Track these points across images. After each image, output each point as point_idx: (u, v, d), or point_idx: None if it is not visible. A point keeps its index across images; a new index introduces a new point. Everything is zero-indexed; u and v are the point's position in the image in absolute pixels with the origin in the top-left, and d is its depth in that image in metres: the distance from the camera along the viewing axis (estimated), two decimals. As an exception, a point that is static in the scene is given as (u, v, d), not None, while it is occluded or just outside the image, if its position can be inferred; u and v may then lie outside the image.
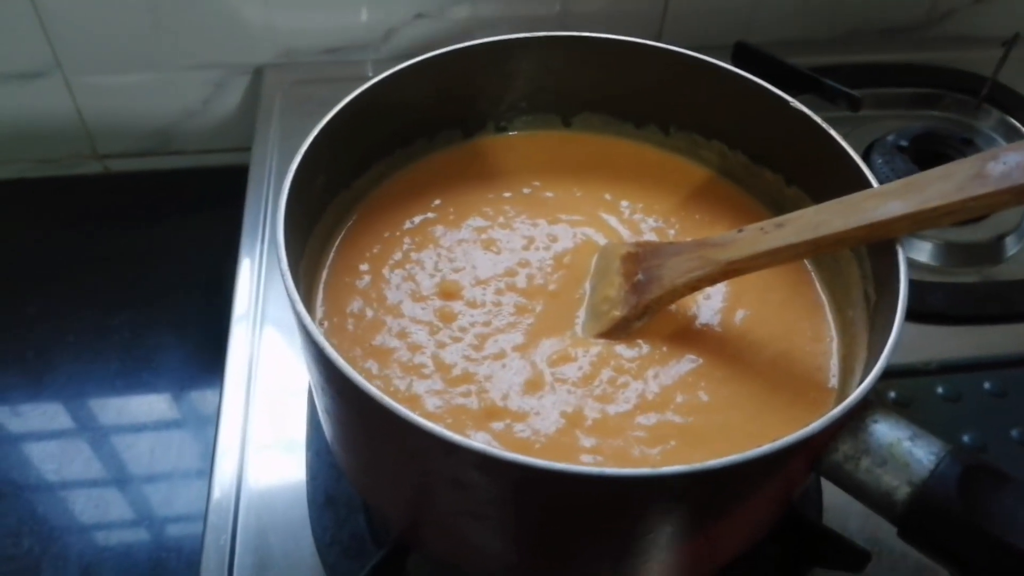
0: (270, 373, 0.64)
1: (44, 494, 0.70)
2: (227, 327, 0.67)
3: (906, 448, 0.35)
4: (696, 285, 0.46)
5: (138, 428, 0.74)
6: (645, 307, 0.47)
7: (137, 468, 0.71)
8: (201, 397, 0.76)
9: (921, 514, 0.35)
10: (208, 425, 0.74)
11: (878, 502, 0.36)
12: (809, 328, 0.50)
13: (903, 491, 0.35)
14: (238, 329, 0.67)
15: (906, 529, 0.36)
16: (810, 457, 0.37)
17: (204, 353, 0.79)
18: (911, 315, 0.66)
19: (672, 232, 0.54)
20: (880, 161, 0.77)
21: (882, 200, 0.42)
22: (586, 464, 0.41)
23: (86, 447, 0.73)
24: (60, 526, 0.67)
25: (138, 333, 0.80)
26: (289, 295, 0.38)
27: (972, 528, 0.33)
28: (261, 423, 0.61)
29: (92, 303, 0.82)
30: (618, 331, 0.47)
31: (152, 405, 0.76)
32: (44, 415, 0.74)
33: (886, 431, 0.36)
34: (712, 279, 0.46)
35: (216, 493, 0.57)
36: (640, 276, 0.48)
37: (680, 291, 0.46)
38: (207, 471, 0.59)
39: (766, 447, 0.33)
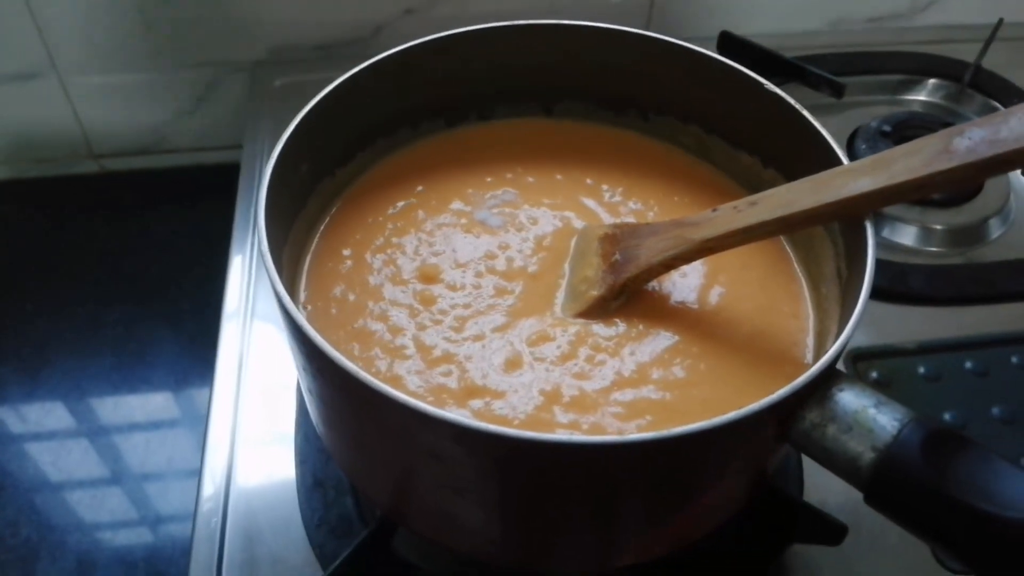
0: (261, 367, 0.65)
1: (42, 486, 0.71)
2: (219, 323, 0.68)
3: (871, 415, 0.36)
4: (671, 263, 0.47)
5: (133, 422, 0.75)
6: (622, 286, 0.48)
7: (132, 461, 0.72)
8: (195, 391, 0.77)
9: (886, 479, 0.35)
10: (201, 418, 0.74)
11: (844, 468, 0.37)
12: (786, 305, 0.50)
13: (868, 457, 0.36)
14: (229, 325, 0.68)
15: (872, 495, 0.36)
16: (777, 425, 0.38)
17: (198, 348, 0.80)
18: (894, 296, 0.68)
19: (651, 214, 0.55)
20: (864, 147, 0.78)
21: (852, 177, 0.43)
22: (562, 438, 0.42)
23: (82, 441, 0.74)
24: (57, 517, 0.69)
25: (133, 328, 0.81)
26: (269, 275, 0.39)
27: (935, 492, 0.34)
28: (251, 415, 0.62)
29: (88, 299, 0.83)
30: (596, 310, 0.48)
31: (147, 399, 0.77)
32: (41, 409, 0.75)
33: (851, 399, 0.37)
34: (687, 257, 0.47)
35: (207, 479, 0.58)
36: (617, 256, 0.48)
37: (656, 269, 0.47)
38: (199, 462, 0.60)
39: (731, 414, 0.34)
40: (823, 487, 0.56)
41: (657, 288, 0.50)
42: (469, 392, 0.44)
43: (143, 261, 0.87)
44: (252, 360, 0.65)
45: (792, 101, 0.50)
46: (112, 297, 0.84)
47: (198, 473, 0.59)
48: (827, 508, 0.51)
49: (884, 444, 0.36)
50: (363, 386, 0.35)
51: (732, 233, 0.45)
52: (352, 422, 0.42)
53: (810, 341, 0.49)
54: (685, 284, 0.50)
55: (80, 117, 0.92)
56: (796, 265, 0.53)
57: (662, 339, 0.47)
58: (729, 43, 0.83)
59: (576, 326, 0.47)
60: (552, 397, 0.44)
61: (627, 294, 0.48)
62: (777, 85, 0.52)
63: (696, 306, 0.49)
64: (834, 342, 0.39)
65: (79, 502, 0.70)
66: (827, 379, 0.38)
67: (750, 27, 0.89)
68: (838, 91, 0.78)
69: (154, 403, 0.76)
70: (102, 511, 0.69)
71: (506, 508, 0.41)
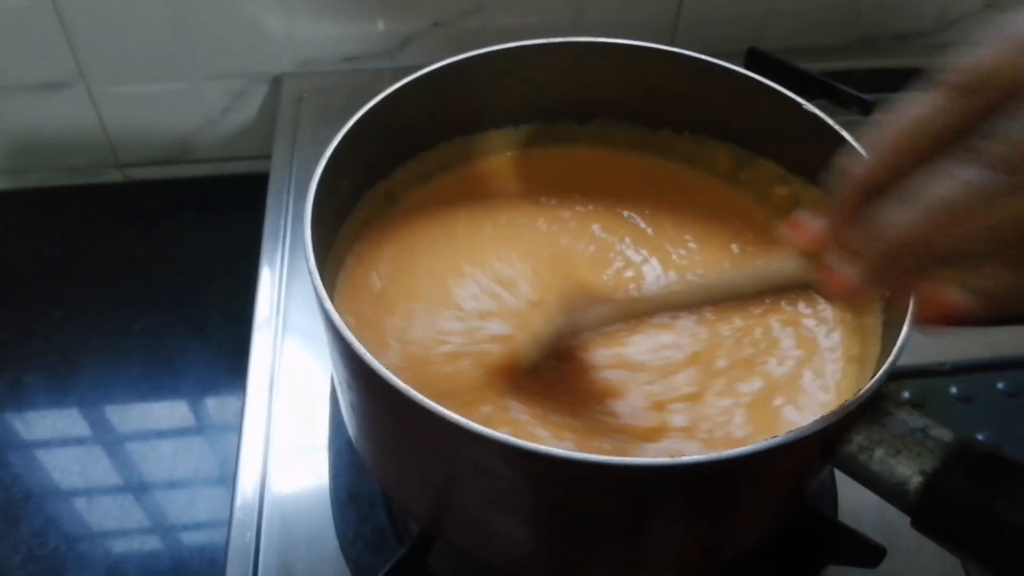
0: (292, 379, 0.65)
1: (70, 495, 0.71)
2: (248, 333, 0.68)
3: (919, 439, 0.36)
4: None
5: (160, 430, 0.75)
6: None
7: (160, 470, 0.72)
8: (222, 400, 0.78)
9: (934, 502, 0.35)
10: (228, 427, 0.75)
11: (891, 492, 0.37)
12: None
13: (916, 480, 0.36)
14: (260, 336, 0.68)
15: (919, 518, 0.36)
16: (825, 447, 0.38)
17: (225, 357, 0.80)
18: (925, 317, 0.68)
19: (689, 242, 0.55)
20: (892, 165, 0.77)
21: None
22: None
23: (110, 450, 0.74)
24: (85, 526, 0.69)
25: (160, 337, 0.82)
26: (316, 292, 0.40)
27: (985, 514, 0.34)
28: (284, 427, 0.62)
29: (115, 307, 0.84)
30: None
31: (174, 408, 0.77)
32: (69, 417, 0.76)
33: (899, 423, 0.37)
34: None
35: (241, 493, 0.58)
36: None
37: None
38: (228, 473, 0.60)
39: (781, 437, 0.34)
40: (857, 507, 0.55)
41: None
42: None
43: (169, 270, 0.88)
44: (284, 372, 0.65)
45: (833, 123, 0.50)
46: (139, 306, 0.84)
47: (225, 482, 0.59)
48: (862, 528, 0.51)
49: (933, 468, 0.36)
50: (412, 403, 0.35)
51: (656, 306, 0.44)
52: (396, 437, 0.42)
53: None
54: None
55: (107, 126, 0.92)
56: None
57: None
58: (757, 59, 0.83)
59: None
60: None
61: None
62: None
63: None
64: (877, 363, 0.39)
65: (107, 511, 0.70)
66: (875, 402, 0.38)
67: (775, 42, 0.89)
68: (867, 109, 0.78)
69: (181, 412, 0.77)
70: (130, 520, 0.69)
71: (548, 523, 0.42)
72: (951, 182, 0.27)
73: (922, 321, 0.30)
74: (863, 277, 0.30)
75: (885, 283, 0.30)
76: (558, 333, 0.46)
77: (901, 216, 0.28)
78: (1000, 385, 0.64)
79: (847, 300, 0.31)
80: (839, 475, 0.44)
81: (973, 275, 0.28)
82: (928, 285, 0.30)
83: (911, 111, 0.29)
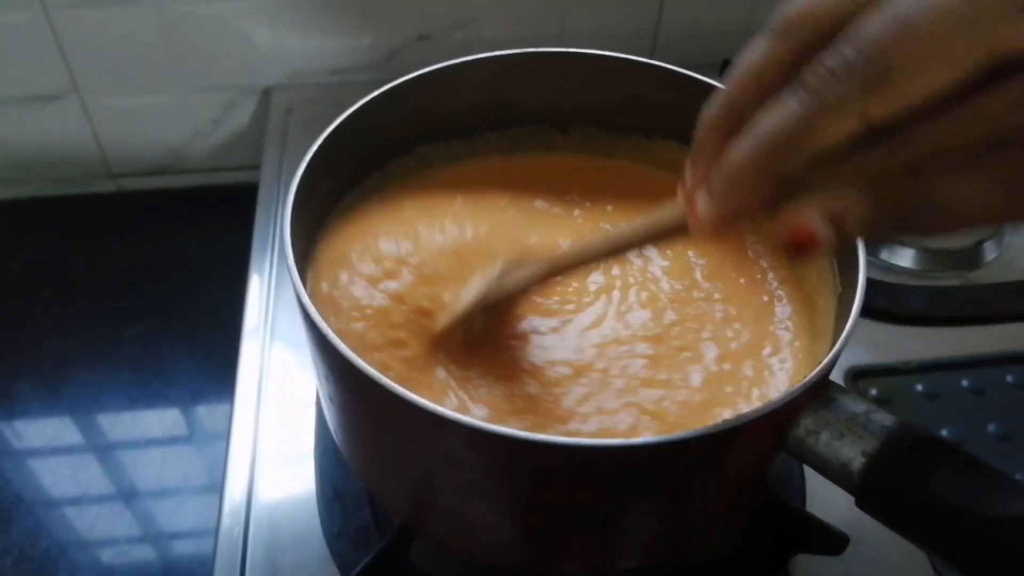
0: (280, 385, 0.66)
1: (61, 500, 0.72)
2: (237, 342, 0.70)
3: (861, 422, 0.38)
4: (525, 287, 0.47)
5: (150, 437, 0.77)
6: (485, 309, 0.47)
7: (149, 476, 0.74)
8: (211, 407, 0.79)
9: (875, 483, 0.37)
10: (217, 434, 0.76)
11: (837, 473, 0.38)
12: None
13: (858, 462, 0.37)
14: (248, 344, 0.69)
15: (863, 498, 0.38)
16: (774, 430, 0.39)
17: (213, 364, 0.81)
18: (893, 317, 0.70)
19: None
20: (864, 171, 0.79)
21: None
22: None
23: (100, 456, 0.75)
24: (76, 530, 0.70)
25: (149, 344, 0.83)
26: (294, 283, 0.41)
27: (921, 493, 0.36)
28: (271, 434, 0.63)
29: (105, 315, 0.85)
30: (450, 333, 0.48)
31: (163, 415, 0.78)
32: (60, 423, 0.77)
33: (843, 407, 0.39)
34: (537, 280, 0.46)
35: (229, 498, 0.59)
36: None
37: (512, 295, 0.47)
38: (217, 480, 0.61)
39: (732, 420, 0.36)
40: (826, 499, 0.57)
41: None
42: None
43: (159, 279, 0.89)
44: (272, 378, 0.66)
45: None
46: (129, 313, 0.85)
47: (215, 488, 0.60)
48: (830, 519, 0.53)
49: (873, 449, 0.37)
50: (382, 390, 0.37)
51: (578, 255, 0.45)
52: (371, 427, 0.44)
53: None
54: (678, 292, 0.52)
55: (99, 138, 0.94)
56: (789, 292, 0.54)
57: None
58: (732, 70, 0.85)
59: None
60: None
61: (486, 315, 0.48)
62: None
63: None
64: (828, 352, 0.41)
65: (98, 516, 0.71)
66: (822, 388, 0.39)
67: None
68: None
69: (171, 419, 0.78)
70: (120, 525, 0.70)
71: (517, 509, 0.43)
72: (776, 111, 0.30)
73: (778, 246, 0.32)
74: (711, 205, 0.32)
75: (732, 210, 0.32)
76: (478, 299, 0.46)
77: (738, 146, 0.31)
78: (964, 383, 0.66)
79: (708, 231, 0.33)
80: (808, 469, 0.45)
81: (826, 199, 0.30)
82: (786, 210, 0.31)
83: (751, 56, 0.32)
